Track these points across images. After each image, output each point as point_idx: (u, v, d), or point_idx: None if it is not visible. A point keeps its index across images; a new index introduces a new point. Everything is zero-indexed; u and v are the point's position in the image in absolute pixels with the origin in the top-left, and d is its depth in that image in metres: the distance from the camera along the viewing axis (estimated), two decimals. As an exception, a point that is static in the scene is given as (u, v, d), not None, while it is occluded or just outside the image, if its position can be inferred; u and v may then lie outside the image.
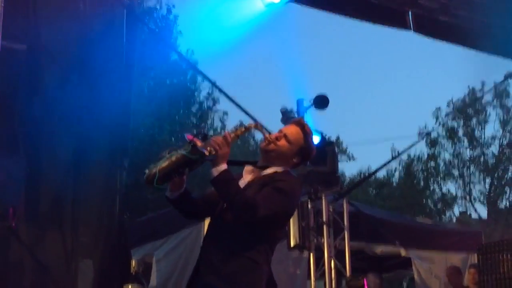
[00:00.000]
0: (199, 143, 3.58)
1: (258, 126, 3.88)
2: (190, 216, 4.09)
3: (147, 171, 3.65)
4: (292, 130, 3.82)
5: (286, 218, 3.81)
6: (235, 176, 3.76)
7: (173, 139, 21.26)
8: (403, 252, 9.28)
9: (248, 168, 3.90)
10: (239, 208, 3.55)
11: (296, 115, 12.06)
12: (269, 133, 3.84)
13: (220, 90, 8.86)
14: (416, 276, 9.50)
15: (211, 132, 23.61)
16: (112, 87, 7.47)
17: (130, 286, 6.12)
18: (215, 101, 23.78)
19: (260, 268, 3.65)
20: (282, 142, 3.77)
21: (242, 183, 3.75)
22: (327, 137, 8.74)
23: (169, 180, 3.66)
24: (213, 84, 10.45)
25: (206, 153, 3.55)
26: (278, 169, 3.77)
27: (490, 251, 7.16)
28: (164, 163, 3.60)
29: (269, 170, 3.78)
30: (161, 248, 9.03)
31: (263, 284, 3.68)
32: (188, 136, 3.59)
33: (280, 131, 3.84)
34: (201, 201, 3.94)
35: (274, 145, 3.77)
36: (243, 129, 3.77)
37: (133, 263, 7.15)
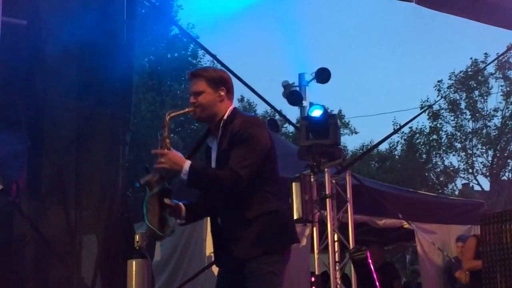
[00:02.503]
0: (151, 179, 3.77)
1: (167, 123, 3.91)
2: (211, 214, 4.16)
3: (147, 232, 3.89)
4: (193, 84, 3.94)
5: (265, 153, 3.87)
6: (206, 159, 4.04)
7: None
8: (406, 225, 9.29)
9: (209, 139, 4.06)
10: (225, 188, 3.74)
11: (298, 89, 12.04)
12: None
13: (222, 64, 8.79)
14: (419, 248, 9.52)
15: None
16: (113, 61, 7.44)
17: (134, 261, 6.10)
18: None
19: (277, 211, 3.84)
20: (200, 98, 3.89)
21: (214, 156, 3.94)
22: (328, 110, 8.71)
23: (166, 221, 3.80)
24: (214, 58, 10.39)
25: (163, 175, 3.76)
26: (223, 114, 3.91)
27: (492, 221, 7.15)
28: (150, 217, 3.78)
29: (221, 125, 3.90)
30: (164, 223, 9.05)
31: (289, 219, 4.02)
32: (140, 183, 3.81)
33: (190, 94, 3.97)
34: (205, 197, 4.08)
35: (198, 106, 3.90)
36: (165, 133, 3.87)
37: (137, 237, 7.14)
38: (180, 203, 3.94)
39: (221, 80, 3.95)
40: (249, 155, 3.73)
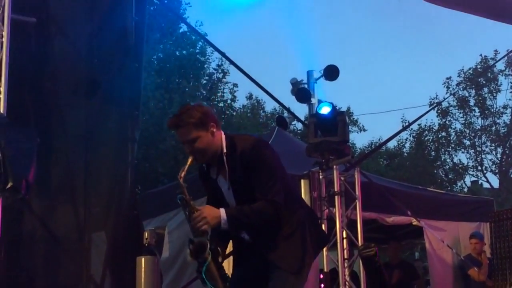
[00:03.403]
0: (204, 251, 3.73)
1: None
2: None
3: None
4: (183, 134, 3.83)
5: (281, 166, 3.94)
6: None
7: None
8: (414, 222, 9.28)
9: (212, 172, 3.99)
10: (268, 220, 3.76)
11: (306, 86, 12.02)
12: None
13: (230, 61, 8.80)
14: (427, 246, 9.50)
15: (221, 104, 23.54)
16: (122, 59, 7.46)
17: (143, 258, 6.12)
18: (225, 73, 23.68)
19: (306, 220, 3.93)
20: (196, 144, 3.80)
21: (225, 187, 3.91)
22: (337, 108, 8.69)
23: (225, 277, 3.81)
24: (223, 55, 10.38)
25: (207, 238, 3.74)
26: (220, 146, 3.86)
27: (502, 218, 7.16)
28: (216, 284, 3.75)
29: (225, 158, 3.85)
30: (173, 219, 9.06)
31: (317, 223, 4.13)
32: (199, 260, 3.76)
33: (182, 142, 3.88)
34: None
35: (198, 153, 3.82)
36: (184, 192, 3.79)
37: (146, 234, 7.17)
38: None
39: (207, 118, 3.83)
40: (273, 181, 3.78)
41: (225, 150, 3.85)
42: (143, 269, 6.06)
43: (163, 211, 9.36)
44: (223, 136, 3.89)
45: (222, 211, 3.73)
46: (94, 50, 7.25)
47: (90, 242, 6.74)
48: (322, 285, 7.95)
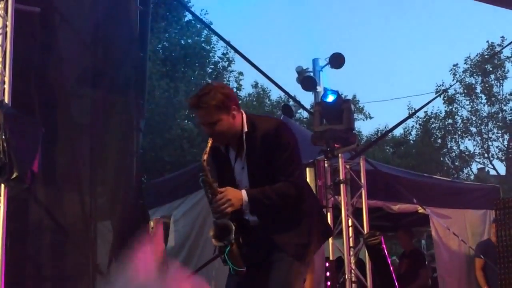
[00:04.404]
0: (227, 228, 3.71)
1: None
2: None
3: (235, 273, 3.79)
4: (203, 116, 3.76)
5: (298, 149, 3.93)
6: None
7: (189, 100, 21.18)
8: (420, 210, 9.27)
9: (229, 152, 3.94)
10: (289, 200, 3.74)
11: (312, 74, 12.03)
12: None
13: (235, 50, 8.80)
14: (433, 233, 9.49)
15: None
16: (127, 48, 7.46)
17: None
18: (230, 62, 23.63)
19: (314, 209, 3.98)
20: (217, 127, 3.75)
21: (239, 167, 3.87)
22: (343, 95, 8.68)
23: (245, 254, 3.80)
24: (228, 44, 10.38)
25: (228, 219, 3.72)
26: (241, 127, 3.81)
27: (508, 206, 7.14)
28: (236, 263, 3.73)
29: (244, 138, 3.82)
30: (179, 209, 9.08)
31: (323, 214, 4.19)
32: (222, 244, 3.72)
33: (202, 124, 3.83)
34: None
35: (218, 135, 3.77)
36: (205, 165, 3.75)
37: (151, 224, 7.19)
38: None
39: (229, 101, 3.75)
40: (295, 163, 3.79)
41: (245, 129, 3.80)
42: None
43: (169, 200, 9.38)
44: (244, 116, 3.84)
45: (244, 192, 3.70)
46: (98, 39, 7.24)
47: (96, 231, 6.75)
48: (328, 273, 7.96)
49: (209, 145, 3.73)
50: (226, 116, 3.73)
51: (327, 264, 8.04)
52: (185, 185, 9.02)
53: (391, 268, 7.35)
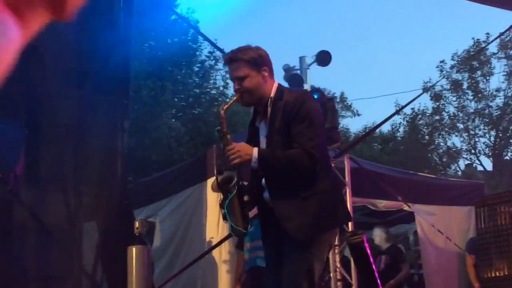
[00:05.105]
0: (228, 182, 3.74)
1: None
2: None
3: (232, 233, 3.88)
4: (234, 70, 3.82)
5: (323, 125, 3.96)
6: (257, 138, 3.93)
7: (175, 99, 21.19)
8: (405, 207, 9.31)
9: (257, 119, 3.99)
10: (301, 168, 3.66)
11: (299, 72, 12.02)
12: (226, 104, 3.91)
13: (221, 51, 8.79)
14: (419, 231, 9.55)
15: (213, 91, 23.50)
16: (111, 48, 7.44)
17: (134, 248, 6.13)
18: (217, 60, 23.63)
19: (330, 191, 3.83)
20: (245, 83, 3.80)
21: (262, 134, 3.88)
22: (329, 93, 8.70)
23: (248, 218, 3.79)
24: (213, 44, 10.41)
25: (235, 173, 3.74)
26: (270, 93, 3.84)
27: (486, 203, 7.23)
28: (234, 219, 3.74)
29: (269, 104, 3.83)
30: (164, 208, 9.07)
31: (341, 198, 4.12)
32: (221, 188, 3.76)
33: (233, 79, 3.87)
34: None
35: (245, 92, 3.81)
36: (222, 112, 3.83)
37: (137, 224, 7.19)
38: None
39: (262, 60, 3.82)
40: (314, 133, 3.70)
41: (272, 95, 3.82)
42: (134, 259, 6.06)
43: (155, 200, 9.37)
44: (275, 85, 3.87)
45: (255, 149, 3.69)
46: (82, 39, 7.22)
47: (81, 232, 6.74)
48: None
49: (234, 99, 3.84)
50: (255, 73, 3.78)
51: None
52: (171, 184, 9.02)
53: (374, 267, 7.38)
